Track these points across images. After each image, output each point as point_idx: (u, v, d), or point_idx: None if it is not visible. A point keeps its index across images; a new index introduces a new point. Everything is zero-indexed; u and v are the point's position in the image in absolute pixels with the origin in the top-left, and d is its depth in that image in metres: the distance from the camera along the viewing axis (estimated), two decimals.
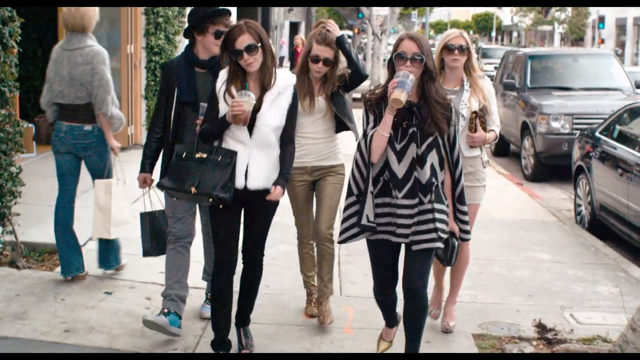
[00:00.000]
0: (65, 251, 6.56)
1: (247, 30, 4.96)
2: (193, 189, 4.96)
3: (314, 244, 6.11)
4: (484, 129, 5.88)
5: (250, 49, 4.94)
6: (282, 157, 5.17)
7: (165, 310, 5.50)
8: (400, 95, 4.58)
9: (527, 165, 13.91)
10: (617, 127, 9.73)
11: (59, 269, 6.73)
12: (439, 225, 4.81)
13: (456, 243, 5.01)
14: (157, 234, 5.92)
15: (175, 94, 5.55)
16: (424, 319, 5.06)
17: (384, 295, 5.15)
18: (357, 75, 5.88)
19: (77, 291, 6.31)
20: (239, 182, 5.04)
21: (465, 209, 5.03)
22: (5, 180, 6.97)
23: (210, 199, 4.97)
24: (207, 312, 5.77)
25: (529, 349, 5.62)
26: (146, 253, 5.95)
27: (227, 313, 5.28)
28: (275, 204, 5.23)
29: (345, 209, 4.99)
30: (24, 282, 6.48)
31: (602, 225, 9.51)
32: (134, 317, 5.85)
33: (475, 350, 5.69)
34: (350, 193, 4.97)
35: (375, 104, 4.86)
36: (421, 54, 4.76)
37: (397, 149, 4.81)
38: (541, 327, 5.95)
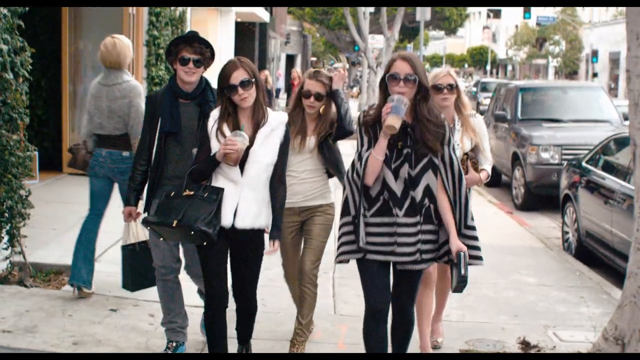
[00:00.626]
0: (79, 262, 6.89)
1: (241, 66, 5.03)
2: (175, 222, 4.93)
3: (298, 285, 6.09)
4: (476, 169, 5.91)
5: (244, 84, 4.97)
6: (273, 202, 5.18)
7: (174, 345, 5.75)
8: (395, 121, 4.57)
9: (518, 195, 14.25)
10: (602, 157, 10.09)
11: (65, 287, 7.05)
12: (423, 246, 4.80)
13: (464, 255, 4.74)
14: (136, 270, 6.05)
15: (159, 125, 5.55)
16: (411, 332, 5.16)
17: (375, 324, 4.97)
18: (341, 130, 5.84)
19: (84, 308, 6.61)
20: (227, 221, 5.02)
21: (472, 224, 4.91)
22: (15, 202, 7.28)
23: (192, 232, 4.94)
24: None
25: None
26: (125, 286, 6.17)
27: (224, 346, 5.31)
28: (262, 243, 5.23)
29: (340, 227, 4.97)
30: (33, 299, 6.78)
31: (588, 251, 9.83)
32: (139, 332, 6.16)
33: None
34: (346, 213, 4.91)
35: (370, 126, 4.83)
36: (414, 74, 4.71)
37: (392, 169, 4.77)
38: (525, 344, 6.27)
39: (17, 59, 7.32)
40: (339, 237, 4.98)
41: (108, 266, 7.61)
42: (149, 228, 5.30)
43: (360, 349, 5.98)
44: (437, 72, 5.96)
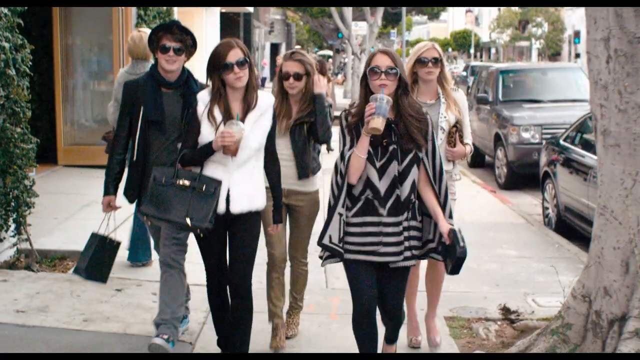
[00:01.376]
0: (137, 242, 7.63)
1: (237, 45, 4.99)
2: (188, 220, 4.91)
3: (284, 271, 6.06)
4: (462, 142, 5.89)
5: (240, 63, 4.94)
6: (270, 181, 5.25)
7: (166, 337, 5.48)
8: (379, 123, 4.53)
9: (501, 175, 14.70)
10: (579, 134, 10.53)
11: (71, 271, 7.43)
12: (412, 243, 4.80)
13: (457, 231, 4.72)
14: (95, 260, 5.80)
15: (141, 114, 5.49)
16: (400, 327, 5.22)
17: (365, 321, 4.92)
18: (314, 134, 5.78)
19: (91, 289, 6.98)
20: (220, 208, 4.99)
21: (452, 222, 4.85)
22: (21, 192, 7.68)
23: (198, 230, 4.97)
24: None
25: (493, 327, 6.37)
26: (76, 270, 5.89)
27: (228, 319, 5.35)
28: (259, 227, 5.24)
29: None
30: (42, 282, 7.17)
31: (567, 225, 10.27)
32: (143, 309, 6.55)
33: (446, 330, 6.41)
34: (331, 212, 4.82)
35: (353, 126, 4.78)
36: (395, 67, 4.70)
37: (377, 167, 4.72)
38: (505, 310, 6.68)
39: (18, 56, 7.69)
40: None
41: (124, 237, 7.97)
42: (145, 218, 5.24)
43: (350, 319, 6.42)
44: (421, 45, 5.87)
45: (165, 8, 15.07)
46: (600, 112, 4.81)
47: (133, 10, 13.63)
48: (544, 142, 12.85)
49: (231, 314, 5.27)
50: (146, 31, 7.08)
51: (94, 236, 5.82)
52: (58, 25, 13.54)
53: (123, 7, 13.31)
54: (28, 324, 6.13)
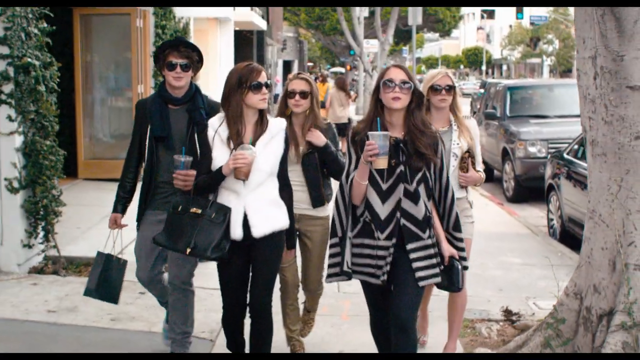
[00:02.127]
0: None
1: (264, 70, 5.00)
2: (188, 250, 4.92)
3: (297, 295, 6.05)
4: (474, 169, 5.83)
5: (268, 86, 4.97)
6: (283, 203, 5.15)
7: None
8: (383, 163, 4.54)
9: (508, 188, 15.08)
10: (581, 148, 10.91)
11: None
12: (439, 260, 4.77)
13: (460, 266, 4.82)
14: (104, 280, 5.78)
15: (149, 131, 5.52)
16: (415, 351, 4.94)
17: (378, 332, 5.06)
18: (327, 168, 5.81)
19: None
20: (236, 234, 4.94)
21: (460, 236, 4.86)
22: (50, 201, 8.14)
23: (206, 259, 5.00)
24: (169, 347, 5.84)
25: (495, 327, 6.77)
26: (87, 292, 5.83)
27: (242, 342, 5.39)
28: (282, 247, 5.18)
29: (329, 247, 4.97)
30: (70, 285, 7.62)
31: (571, 235, 10.64)
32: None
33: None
34: (333, 234, 4.88)
35: (360, 145, 4.69)
36: (410, 81, 4.65)
37: (382, 189, 4.67)
38: (507, 312, 7.07)
39: (47, 73, 8.17)
40: (329, 257, 4.95)
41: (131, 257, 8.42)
42: (159, 247, 5.28)
43: (361, 319, 6.81)
44: (435, 72, 5.87)
45: (182, 26, 15.55)
46: (588, 124, 5.23)
47: (151, 28, 14.11)
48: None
49: (251, 334, 5.19)
50: None
51: (100, 255, 5.82)
52: (79, 43, 14.00)
53: (141, 26, 13.78)
54: (59, 323, 6.59)
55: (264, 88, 4.92)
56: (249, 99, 4.93)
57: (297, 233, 5.78)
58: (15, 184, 7.94)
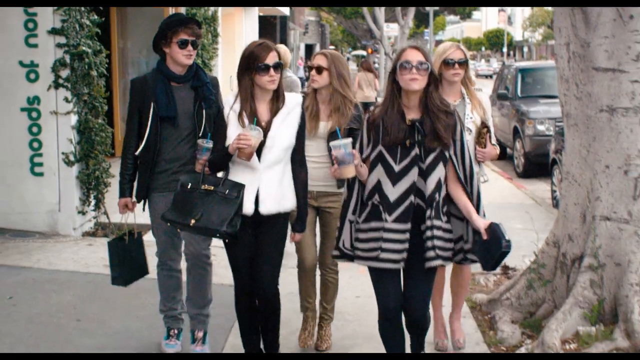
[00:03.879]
0: None
1: (274, 49, 4.96)
2: (192, 221, 4.87)
3: (315, 274, 6.03)
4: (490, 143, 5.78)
5: (276, 66, 4.90)
6: (296, 186, 5.12)
7: (176, 331, 5.90)
8: (349, 172, 4.57)
9: (519, 164, 16.02)
10: None
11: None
12: (437, 242, 4.62)
13: (499, 225, 4.58)
14: (126, 265, 5.81)
15: (152, 110, 5.39)
16: (426, 332, 5.04)
17: (389, 324, 4.88)
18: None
19: None
20: (248, 208, 4.93)
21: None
22: (101, 173, 9.20)
23: (218, 235, 4.90)
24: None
25: (492, 278, 7.76)
26: (114, 281, 5.88)
27: (256, 333, 5.35)
28: (285, 229, 5.17)
29: (339, 229, 4.92)
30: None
31: None
32: None
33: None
34: (344, 215, 4.87)
35: (374, 127, 4.69)
36: (427, 62, 4.58)
37: (395, 171, 4.61)
38: (505, 267, 8.04)
39: (97, 59, 9.21)
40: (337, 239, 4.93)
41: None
42: (167, 223, 5.16)
43: None
44: (446, 46, 5.76)
45: (210, 13, 16.54)
46: (564, 100, 6.21)
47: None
48: None
49: (259, 318, 5.23)
50: (282, 46, 8.45)
51: (111, 244, 5.85)
52: (115, 30, 15.04)
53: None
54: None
55: (271, 70, 4.88)
56: (257, 80, 4.92)
57: (317, 210, 5.82)
58: (71, 158, 9.00)
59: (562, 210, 6.34)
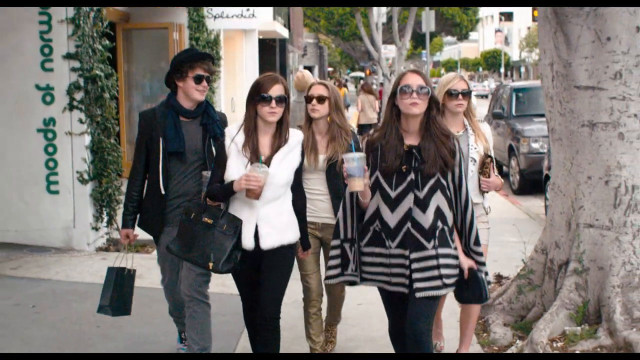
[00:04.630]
0: None
1: (281, 82, 4.93)
2: (210, 265, 4.92)
3: (320, 305, 6.00)
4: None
5: (280, 99, 4.88)
6: (296, 209, 5.15)
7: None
8: (358, 185, 4.49)
9: (514, 181, 16.43)
10: None
11: (153, 253, 9.36)
12: (443, 271, 4.56)
13: (484, 276, 4.73)
14: (117, 295, 5.77)
15: (161, 145, 5.40)
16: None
17: (395, 340, 4.99)
18: None
19: None
20: (248, 244, 4.95)
21: (481, 250, 4.76)
22: (113, 191, 9.66)
23: (216, 271, 4.98)
24: (184, 351, 6.06)
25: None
26: (100, 309, 5.80)
27: None
28: (291, 259, 5.17)
29: (331, 249, 4.86)
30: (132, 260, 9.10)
31: None
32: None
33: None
34: (336, 235, 4.80)
35: (372, 151, 4.68)
36: (427, 86, 4.56)
37: (391, 197, 4.60)
38: (498, 276, 8.46)
39: (109, 82, 9.69)
40: (329, 259, 4.87)
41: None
42: (172, 255, 5.24)
43: None
44: (450, 77, 5.79)
45: (213, 38, 17.04)
46: (549, 116, 6.67)
47: (186, 41, 15.62)
48: None
49: (258, 344, 5.25)
50: (305, 72, 9.22)
51: (111, 271, 5.83)
52: (121, 54, 15.50)
53: (177, 39, 15.28)
54: None
55: (273, 102, 4.88)
56: (259, 110, 4.94)
57: (320, 241, 5.85)
58: (85, 176, 9.47)
59: (549, 219, 6.80)
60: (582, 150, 6.35)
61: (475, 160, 5.66)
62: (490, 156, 5.71)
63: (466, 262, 4.67)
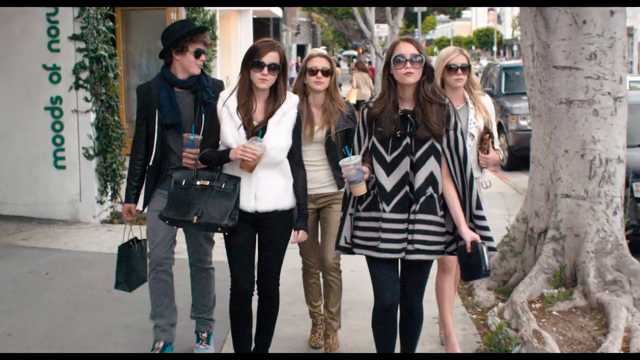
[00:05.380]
0: None
1: (277, 49, 4.87)
2: (195, 218, 4.80)
3: (320, 274, 6.02)
4: (493, 148, 5.74)
5: (272, 67, 4.81)
6: (295, 186, 5.06)
7: (161, 345, 5.68)
8: (361, 190, 4.58)
9: (503, 158, 16.85)
10: None
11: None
12: (417, 236, 4.58)
13: (484, 248, 4.58)
14: (131, 270, 5.77)
15: (157, 117, 5.37)
16: (420, 329, 5.03)
17: (384, 316, 4.80)
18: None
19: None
20: (248, 206, 4.91)
21: (482, 213, 4.74)
22: (117, 166, 10.11)
23: (219, 229, 4.85)
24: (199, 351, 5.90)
25: None
26: (117, 285, 5.84)
27: (248, 336, 5.25)
28: (289, 228, 5.10)
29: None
30: (136, 232, 9.47)
31: None
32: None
33: None
34: (344, 206, 4.89)
35: (369, 121, 4.68)
36: (420, 54, 4.51)
37: (387, 161, 4.59)
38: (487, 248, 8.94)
39: (112, 62, 10.11)
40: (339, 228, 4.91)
41: None
42: (165, 222, 5.08)
43: None
44: (449, 50, 5.64)
45: (209, 17, 17.39)
46: (530, 94, 7.14)
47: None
48: None
49: (257, 314, 5.23)
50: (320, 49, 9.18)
51: (121, 248, 5.79)
52: (120, 35, 15.84)
53: (175, 19, 15.64)
54: None
55: (265, 69, 4.82)
56: (252, 75, 4.88)
57: (317, 211, 5.79)
58: (91, 152, 9.94)
59: (530, 190, 7.28)
60: (559, 126, 6.81)
61: (474, 136, 5.61)
62: (489, 131, 5.65)
63: (468, 234, 4.60)
